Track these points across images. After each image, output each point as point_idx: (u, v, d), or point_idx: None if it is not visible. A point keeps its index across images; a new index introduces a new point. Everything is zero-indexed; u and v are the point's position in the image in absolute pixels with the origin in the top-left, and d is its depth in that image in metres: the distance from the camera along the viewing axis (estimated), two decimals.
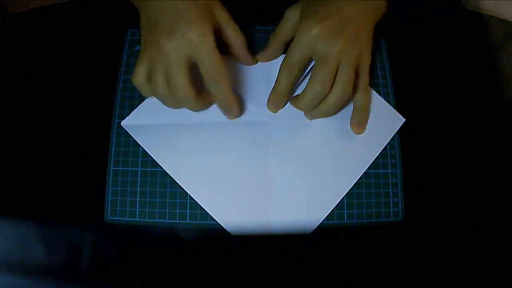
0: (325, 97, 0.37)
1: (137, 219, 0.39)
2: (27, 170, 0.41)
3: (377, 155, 0.41)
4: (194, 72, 0.35)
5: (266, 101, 0.40)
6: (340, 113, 0.41)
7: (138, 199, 0.39)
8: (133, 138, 0.41)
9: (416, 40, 0.45)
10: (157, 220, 0.39)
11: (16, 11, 0.49)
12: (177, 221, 0.39)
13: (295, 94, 0.40)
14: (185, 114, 0.40)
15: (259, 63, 0.42)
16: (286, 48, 0.38)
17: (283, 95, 0.39)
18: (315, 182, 0.40)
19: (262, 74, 0.42)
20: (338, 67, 0.36)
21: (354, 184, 0.40)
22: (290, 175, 0.40)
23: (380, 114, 0.42)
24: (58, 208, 0.40)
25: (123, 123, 0.41)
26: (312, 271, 0.39)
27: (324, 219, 0.39)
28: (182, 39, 0.33)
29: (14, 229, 0.39)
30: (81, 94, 0.43)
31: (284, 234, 0.39)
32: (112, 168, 0.40)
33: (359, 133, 0.41)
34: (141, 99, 0.41)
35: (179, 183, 0.39)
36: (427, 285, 0.40)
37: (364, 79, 0.39)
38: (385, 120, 0.41)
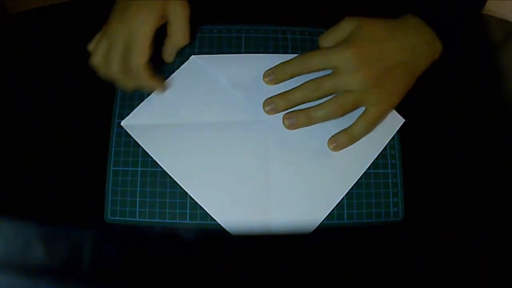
0: (316, 106, 0.38)
1: (137, 219, 0.39)
2: (27, 170, 0.41)
3: (377, 155, 0.41)
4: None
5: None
6: None
7: (138, 199, 0.39)
8: (133, 138, 0.41)
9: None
10: (157, 220, 0.39)
11: (16, 11, 0.49)
12: (177, 221, 0.39)
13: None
14: (185, 114, 0.40)
15: (259, 63, 0.41)
16: None
17: (280, 74, 0.39)
18: (315, 182, 0.40)
19: (259, 75, 0.41)
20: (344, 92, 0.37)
21: (354, 184, 0.40)
22: (290, 175, 0.40)
23: None
24: (58, 208, 0.40)
25: (123, 123, 0.41)
26: (312, 271, 0.39)
27: (324, 219, 0.39)
28: (124, 25, 0.36)
29: (14, 229, 0.39)
30: (81, 94, 0.43)
31: (284, 234, 0.39)
32: (112, 168, 0.40)
33: (332, 150, 0.40)
34: (141, 99, 0.41)
35: (179, 183, 0.39)
36: (427, 285, 0.40)
37: (370, 116, 0.38)
38: (385, 120, 0.41)
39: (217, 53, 0.43)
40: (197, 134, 0.40)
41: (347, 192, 0.40)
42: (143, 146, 0.40)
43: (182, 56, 0.42)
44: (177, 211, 0.39)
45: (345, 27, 0.38)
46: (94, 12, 0.46)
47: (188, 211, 0.39)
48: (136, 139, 0.40)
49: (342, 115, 0.38)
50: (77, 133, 0.42)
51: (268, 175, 0.40)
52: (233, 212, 0.39)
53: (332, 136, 0.40)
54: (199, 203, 0.39)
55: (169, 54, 0.41)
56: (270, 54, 0.42)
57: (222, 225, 0.39)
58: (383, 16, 0.39)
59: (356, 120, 0.39)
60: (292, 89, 0.38)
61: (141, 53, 0.36)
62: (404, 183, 0.40)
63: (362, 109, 0.39)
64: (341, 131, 0.39)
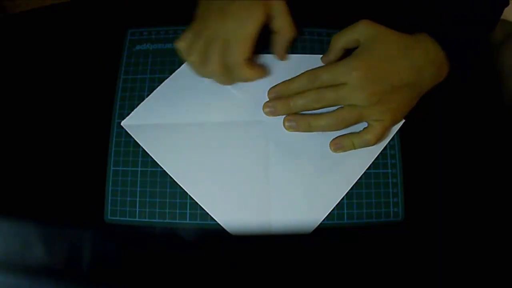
0: (318, 115, 0.38)
1: (137, 219, 0.39)
2: (27, 170, 0.41)
3: (377, 155, 0.41)
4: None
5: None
6: None
7: (138, 199, 0.39)
8: (133, 138, 0.41)
9: None
10: (157, 220, 0.39)
11: (16, 11, 0.49)
12: (177, 221, 0.39)
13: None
14: (185, 114, 0.40)
15: (260, 63, 0.42)
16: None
17: (286, 92, 0.39)
18: (315, 182, 0.40)
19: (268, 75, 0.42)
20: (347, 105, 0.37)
21: (354, 184, 0.40)
22: (290, 175, 0.40)
23: None
24: (58, 208, 0.40)
25: (123, 123, 0.41)
26: (312, 271, 0.39)
27: (324, 219, 0.39)
28: (225, 24, 0.35)
29: (14, 229, 0.39)
30: (81, 94, 0.43)
31: (284, 234, 0.39)
32: (112, 168, 0.40)
33: (333, 152, 0.40)
34: (141, 99, 0.41)
35: (179, 183, 0.39)
36: (427, 285, 0.40)
37: (374, 131, 0.38)
38: None
39: None
40: (197, 134, 0.40)
41: (347, 192, 0.40)
42: (143, 146, 0.40)
43: None
44: (177, 211, 0.39)
45: (361, 31, 0.37)
46: (94, 12, 0.46)
47: (188, 211, 0.39)
48: (136, 139, 0.40)
49: (343, 128, 0.38)
50: (77, 133, 0.42)
51: (268, 175, 0.40)
52: (233, 212, 0.39)
53: (336, 138, 0.40)
54: (199, 203, 0.39)
55: (281, 50, 0.41)
56: (269, 54, 0.42)
57: (222, 225, 0.39)
58: (386, 18, 0.39)
59: (361, 132, 0.39)
60: (295, 96, 0.38)
61: (244, 52, 0.36)
62: (404, 183, 0.40)
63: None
64: (346, 135, 0.39)
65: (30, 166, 0.41)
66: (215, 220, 0.39)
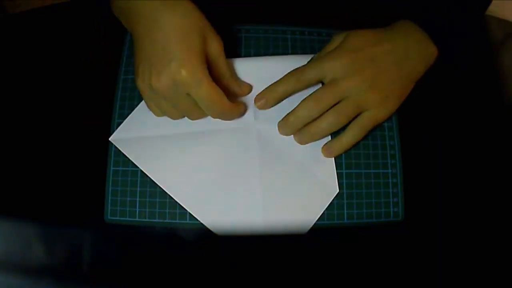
0: (316, 120, 0.37)
1: (137, 219, 0.39)
2: (27, 170, 0.41)
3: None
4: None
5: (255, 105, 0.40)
6: None
7: (138, 199, 0.39)
8: None
9: None
10: (157, 220, 0.39)
11: (16, 11, 0.49)
12: (177, 221, 0.39)
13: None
14: (173, 124, 0.40)
15: (251, 68, 0.41)
16: None
17: (273, 95, 0.38)
18: (306, 184, 0.39)
19: (252, 78, 0.41)
20: (342, 100, 0.37)
21: (354, 184, 0.40)
22: (282, 176, 0.39)
23: None
24: (58, 208, 0.40)
25: (111, 138, 0.40)
26: (312, 271, 0.39)
27: (324, 219, 0.39)
28: (171, 81, 0.33)
29: (14, 229, 0.39)
30: (81, 94, 0.43)
31: (282, 235, 0.39)
32: (112, 168, 0.40)
33: (326, 156, 0.40)
34: (141, 99, 0.41)
35: (171, 195, 0.39)
36: (427, 285, 0.40)
37: (361, 121, 0.37)
38: None
39: None
40: (187, 143, 0.40)
41: (347, 192, 0.40)
42: (132, 160, 0.39)
43: None
44: (177, 211, 0.39)
45: (336, 41, 0.38)
46: (94, 12, 0.46)
47: (188, 211, 0.39)
48: (124, 153, 0.40)
49: (345, 123, 0.37)
50: (77, 133, 0.42)
51: (261, 178, 0.39)
52: (227, 220, 0.38)
53: (326, 144, 0.39)
54: (191, 213, 0.39)
55: (240, 85, 0.40)
56: (260, 57, 0.42)
57: (215, 232, 0.38)
58: (380, 21, 0.39)
59: (348, 127, 0.38)
60: (293, 110, 0.38)
61: (210, 93, 0.34)
62: (404, 183, 0.40)
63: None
64: (335, 139, 0.39)
65: (30, 166, 0.41)
66: None
